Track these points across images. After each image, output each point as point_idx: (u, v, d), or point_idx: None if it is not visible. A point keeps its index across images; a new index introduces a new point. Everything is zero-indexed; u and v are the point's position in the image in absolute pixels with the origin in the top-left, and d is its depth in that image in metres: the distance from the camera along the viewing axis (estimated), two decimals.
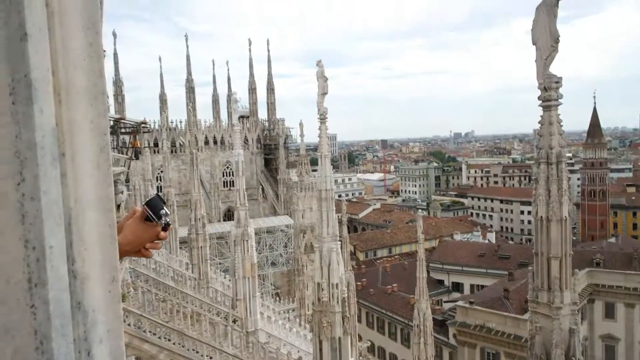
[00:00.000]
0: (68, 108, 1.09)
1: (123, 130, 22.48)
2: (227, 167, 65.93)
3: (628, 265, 52.57)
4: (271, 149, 70.22)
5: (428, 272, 45.09)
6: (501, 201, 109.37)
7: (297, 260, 48.49)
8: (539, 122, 13.49)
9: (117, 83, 61.79)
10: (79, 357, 1.14)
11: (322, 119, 18.82)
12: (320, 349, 17.83)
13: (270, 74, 70.52)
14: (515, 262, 59.18)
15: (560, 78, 12.48)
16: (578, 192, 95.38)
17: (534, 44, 12.00)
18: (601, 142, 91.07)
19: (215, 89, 72.83)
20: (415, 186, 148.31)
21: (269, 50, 69.98)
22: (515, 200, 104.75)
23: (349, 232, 57.38)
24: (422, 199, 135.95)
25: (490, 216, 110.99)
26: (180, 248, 40.58)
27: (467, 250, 67.59)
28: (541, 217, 14.11)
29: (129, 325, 20.03)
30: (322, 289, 18.03)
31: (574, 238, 73.17)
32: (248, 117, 69.69)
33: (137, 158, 27.60)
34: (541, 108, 13.19)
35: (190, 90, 68.03)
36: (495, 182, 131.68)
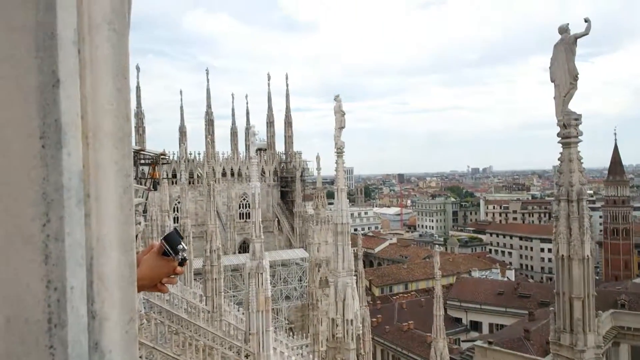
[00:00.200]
0: (95, 150, 1.12)
1: (143, 161, 22.84)
2: (244, 199, 66.25)
3: None
4: (288, 181, 70.55)
5: (445, 309, 44.20)
6: (520, 238, 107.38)
7: (311, 295, 47.90)
8: (559, 159, 13.36)
9: (139, 115, 63.20)
10: None
11: (339, 152, 18.94)
12: None
13: (288, 107, 71.55)
14: (536, 301, 57.66)
15: (580, 115, 12.42)
16: (600, 231, 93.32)
17: (552, 81, 12.01)
18: (623, 180, 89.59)
19: (234, 122, 74.04)
20: (433, 221, 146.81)
21: (287, 85, 71.24)
22: (535, 238, 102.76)
23: (364, 267, 56.78)
24: (440, 234, 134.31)
25: (510, 253, 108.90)
26: (195, 279, 40.48)
27: (485, 287, 66.16)
28: (562, 255, 13.80)
29: (140, 357, 19.87)
30: (337, 325, 17.74)
31: (597, 278, 71.20)
32: (265, 149, 70.42)
33: (155, 189, 27.93)
34: (561, 145, 13.10)
35: (209, 122, 69.19)
36: (514, 219, 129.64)
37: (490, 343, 44.08)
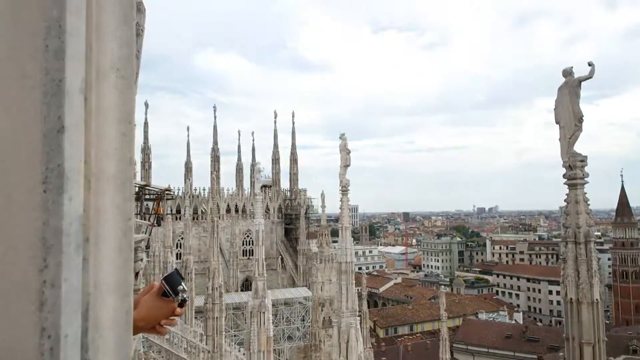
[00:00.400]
0: (96, 195, 1.12)
1: (147, 196, 22.93)
2: (248, 236, 65.98)
3: None
4: (292, 218, 70.38)
5: (452, 352, 43.08)
6: (528, 279, 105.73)
7: (314, 335, 46.99)
8: (565, 200, 13.29)
9: (146, 150, 63.83)
10: None
11: (344, 190, 18.95)
12: None
13: (294, 144, 72.16)
14: (545, 346, 56.34)
15: (586, 157, 12.41)
16: (609, 274, 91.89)
17: (557, 123, 12.08)
18: (631, 222, 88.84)
19: (239, 158, 74.59)
20: (438, 261, 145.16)
21: (293, 123, 72.09)
22: (542, 279, 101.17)
23: (368, 307, 55.88)
24: (445, 274, 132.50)
25: (517, 295, 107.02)
26: (196, 318, 39.89)
27: (493, 330, 64.77)
28: (571, 299, 13.53)
29: None
30: None
31: (608, 322, 69.65)
32: (270, 186, 70.61)
33: (159, 224, 27.90)
34: (567, 186, 13.05)
35: (215, 159, 69.73)
36: (521, 260, 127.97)
37: None
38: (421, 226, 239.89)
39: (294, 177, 72.24)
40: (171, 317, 2.41)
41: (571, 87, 11.66)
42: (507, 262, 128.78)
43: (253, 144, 74.11)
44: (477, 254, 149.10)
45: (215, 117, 70.84)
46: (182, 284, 2.38)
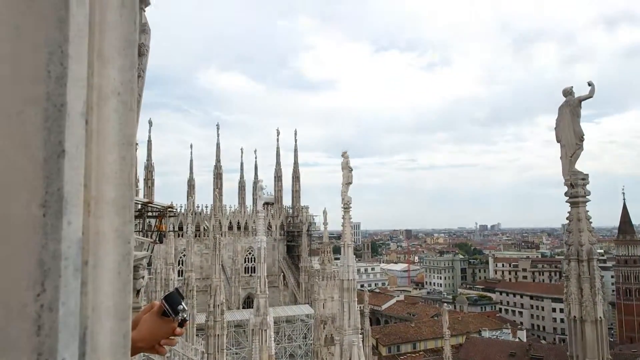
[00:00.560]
0: (96, 218, 1.12)
1: (150, 214, 22.93)
2: (250, 253, 65.77)
3: None
4: (294, 236, 70.21)
5: None
6: (531, 297, 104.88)
7: (316, 353, 46.54)
8: (567, 218, 13.25)
9: (149, 168, 64.06)
10: None
11: (346, 208, 18.94)
12: None
13: (296, 162, 72.39)
14: None
15: (587, 175, 12.42)
16: (613, 291, 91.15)
17: (558, 141, 12.12)
18: (634, 239, 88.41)
19: (242, 176, 74.82)
20: (441, 278, 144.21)
21: (296, 140, 72.47)
22: (546, 297, 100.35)
23: (371, 325, 55.42)
24: (448, 291, 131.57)
25: (520, 312, 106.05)
26: (197, 335, 39.55)
27: (496, 348, 64.04)
28: (574, 317, 13.41)
29: None
30: None
31: (612, 340, 68.86)
32: (273, 203, 70.63)
33: (161, 242, 27.86)
34: (569, 204, 13.02)
35: (217, 176, 69.89)
36: (524, 277, 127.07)
37: None
38: (423, 243, 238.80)
39: (296, 194, 72.29)
40: (171, 337, 2.40)
41: (572, 107, 11.72)
42: (509, 279, 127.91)
43: (255, 161, 74.45)
44: (479, 271, 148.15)
45: (218, 135, 71.32)
46: (182, 303, 2.37)
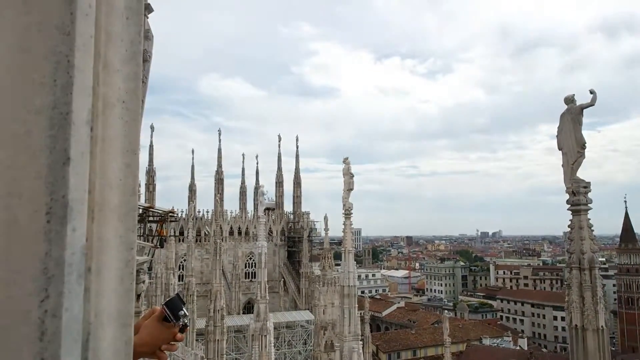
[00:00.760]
0: (99, 225, 1.14)
1: (151, 218, 22.96)
2: (250, 258, 65.73)
3: None
4: (295, 241, 70.15)
5: None
6: (532, 305, 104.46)
7: (316, 359, 46.37)
8: (569, 226, 13.22)
9: (150, 173, 64.17)
10: None
11: (347, 214, 18.94)
12: None
13: (297, 168, 72.51)
14: None
15: (589, 183, 12.40)
16: (614, 300, 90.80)
17: (560, 149, 12.11)
18: (636, 248, 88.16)
19: (243, 181, 74.94)
20: (442, 285, 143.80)
21: (297, 147, 72.63)
22: (547, 305, 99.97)
23: (371, 331, 55.24)
24: (449, 298, 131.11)
25: (521, 320, 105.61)
26: (197, 340, 39.47)
27: (497, 356, 63.70)
28: (576, 325, 13.35)
29: None
30: None
31: (613, 349, 68.49)
32: (274, 209, 70.62)
33: (162, 246, 27.87)
34: (570, 212, 13.00)
35: (219, 181, 69.97)
36: (525, 285, 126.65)
37: None
38: (424, 250, 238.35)
39: (297, 200, 72.31)
40: (172, 342, 2.40)
41: (573, 114, 11.72)
42: (511, 287, 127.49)
43: (257, 167, 74.67)
44: (480, 278, 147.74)
45: (220, 141, 71.45)
46: (183, 309, 2.37)
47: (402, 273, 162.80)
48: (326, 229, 50.82)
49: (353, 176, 18.87)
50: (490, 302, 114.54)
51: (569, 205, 12.86)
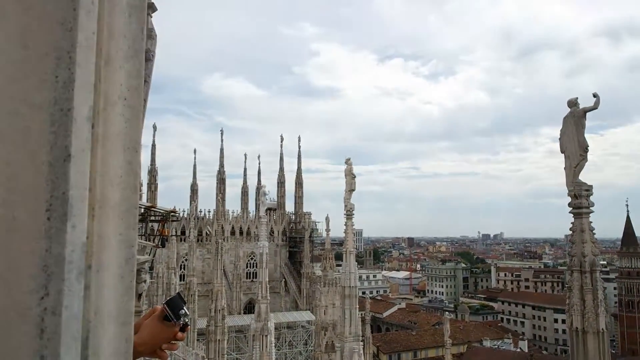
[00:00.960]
0: (100, 222, 1.13)
1: (153, 218, 22.95)
2: (251, 258, 65.74)
3: None
4: (296, 241, 70.13)
5: None
6: (533, 307, 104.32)
7: None
8: (571, 229, 13.20)
9: (152, 172, 64.18)
10: None
11: (349, 215, 18.92)
12: None
13: (299, 168, 72.54)
14: None
15: (591, 186, 12.38)
16: (615, 303, 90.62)
17: (562, 152, 12.09)
18: (637, 251, 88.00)
19: (245, 181, 74.88)
20: (443, 287, 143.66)
21: (299, 147, 72.66)
22: (548, 307, 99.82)
23: (372, 332, 55.15)
24: (450, 300, 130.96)
25: (522, 322, 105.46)
26: (198, 340, 39.49)
27: (497, 358, 63.63)
28: (576, 328, 13.33)
29: None
30: None
31: (613, 352, 68.32)
32: (275, 209, 70.60)
33: (163, 246, 27.87)
34: (572, 214, 12.98)
35: (221, 181, 69.97)
36: (527, 287, 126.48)
37: None
38: (426, 251, 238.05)
39: (299, 200, 72.29)
40: (172, 342, 2.40)
41: (576, 118, 11.70)
42: (512, 289, 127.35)
43: (259, 167, 74.73)
44: (481, 280, 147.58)
45: (222, 141, 71.45)
46: (184, 308, 2.36)
47: (403, 274, 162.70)
48: (327, 230, 50.83)
49: (355, 177, 18.86)
50: (491, 304, 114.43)
51: (571, 208, 12.84)
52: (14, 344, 0.99)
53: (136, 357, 2.60)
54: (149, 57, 4.17)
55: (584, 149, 11.75)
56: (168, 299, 2.41)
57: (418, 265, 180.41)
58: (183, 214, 59.80)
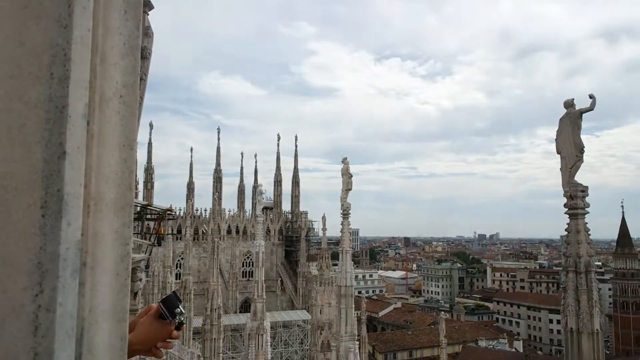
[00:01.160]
0: (95, 219, 1.13)
1: (149, 216, 22.90)
2: (248, 257, 65.67)
3: None
4: (293, 241, 70.09)
5: None
6: (528, 308, 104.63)
7: (312, 359, 46.35)
8: (566, 230, 13.23)
9: (148, 170, 64.03)
10: None
11: (345, 214, 18.94)
12: None
13: (296, 167, 72.43)
14: None
15: (587, 187, 12.41)
16: (610, 304, 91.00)
17: (558, 153, 12.13)
18: (632, 252, 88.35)
19: (242, 180, 74.77)
20: (438, 286, 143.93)
21: (296, 146, 72.56)
22: (543, 308, 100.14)
23: (367, 331, 55.18)
24: (445, 300, 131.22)
25: (517, 323, 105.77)
26: (193, 339, 39.42)
27: (493, 358, 63.76)
28: (571, 328, 13.38)
29: None
30: None
31: (608, 352, 68.64)
32: (272, 208, 70.53)
33: (159, 244, 27.83)
34: (568, 215, 13.01)
35: (217, 180, 69.86)
36: (522, 287, 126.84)
37: None
38: (422, 251, 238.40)
39: (295, 199, 72.23)
40: (168, 340, 2.39)
41: (572, 119, 11.73)
42: (507, 289, 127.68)
43: (256, 166, 74.48)
44: (477, 280, 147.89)
45: (218, 139, 71.36)
46: (180, 306, 2.36)
47: (399, 274, 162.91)
48: (324, 229, 50.87)
49: (351, 176, 18.88)
50: (486, 304, 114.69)
51: (567, 209, 12.88)
52: (8, 341, 0.99)
53: (131, 355, 2.60)
54: (145, 55, 4.16)
55: (580, 149, 11.79)
56: (164, 297, 2.41)
57: (414, 265, 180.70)
58: (179, 212, 59.71)
